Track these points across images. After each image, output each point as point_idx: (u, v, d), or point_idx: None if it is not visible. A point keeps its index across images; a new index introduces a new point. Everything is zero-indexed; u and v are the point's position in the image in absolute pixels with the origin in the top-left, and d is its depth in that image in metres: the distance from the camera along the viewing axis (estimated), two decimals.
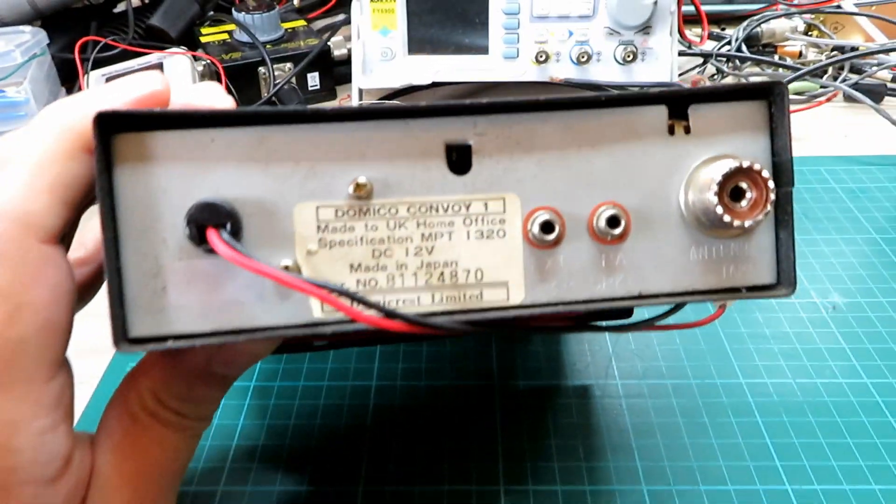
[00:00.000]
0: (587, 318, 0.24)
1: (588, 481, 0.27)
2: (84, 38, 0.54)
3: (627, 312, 0.30)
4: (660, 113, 0.18)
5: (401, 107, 0.17)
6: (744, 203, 0.17)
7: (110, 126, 0.16)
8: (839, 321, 0.35)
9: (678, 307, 0.22)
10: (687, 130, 0.18)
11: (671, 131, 0.18)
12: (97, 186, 0.16)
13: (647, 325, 0.22)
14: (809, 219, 0.43)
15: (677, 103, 0.17)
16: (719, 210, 0.17)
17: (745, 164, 0.16)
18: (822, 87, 0.57)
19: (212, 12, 0.68)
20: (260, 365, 0.34)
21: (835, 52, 0.61)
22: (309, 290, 0.15)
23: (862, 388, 0.31)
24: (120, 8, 0.73)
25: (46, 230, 0.16)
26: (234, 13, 0.62)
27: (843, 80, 0.57)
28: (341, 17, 0.68)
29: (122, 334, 0.16)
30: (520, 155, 0.17)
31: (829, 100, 0.57)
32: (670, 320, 0.22)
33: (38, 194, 0.16)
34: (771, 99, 0.18)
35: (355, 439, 0.30)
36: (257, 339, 0.17)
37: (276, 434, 0.30)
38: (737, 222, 0.17)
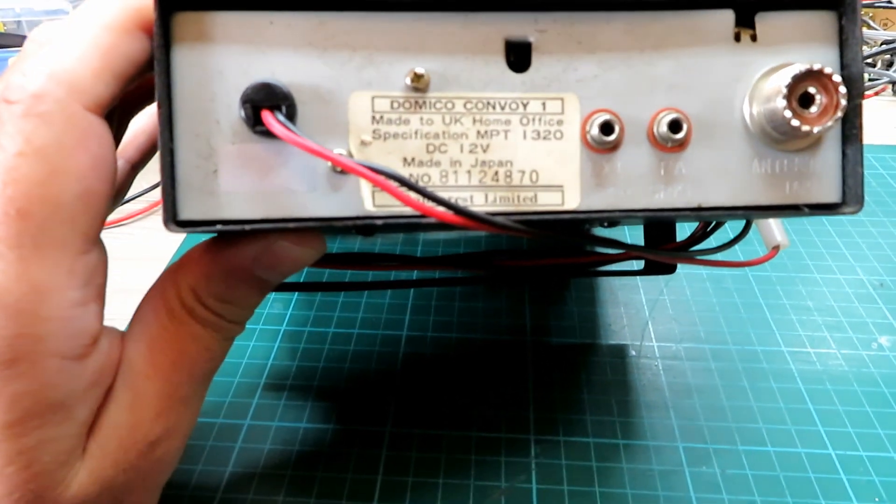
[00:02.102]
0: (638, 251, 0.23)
1: (621, 435, 0.27)
2: None
3: (671, 269, 0.29)
4: (726, 18, 0.17)
5: None
6: (813, 109, 0.16)
7: (171, 2, 0.16)
8: (887, 298, 0.33)
9: (730, 243, 0.22)
10: (753, 38, 0.17)
11: (737, 38, 0.17)
12: (155, 63, 0.16)
13: (689, 256, 0.22)
14: None
15: (745, 7, 0.17)
16: (787, 114, 0.16)
17: (816, 67, 0.16)
18: (871, 79, 0.55)
19: None
20: (290, 311, 0.33)
21: (883, 46, 0.59)
22: (364, 174, 0.15)
23: None
24: None
25: (93, 97, 0.16)
26: None
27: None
28: None
29: (171, 216, 0.16)
30: (581, 55, 0.17)
31: (877, 93, 0.56)
32: (717, 256, 0.22)
33: (89, 60, 0.16)
34: (841, 9, 0.17)
35: (384, 383, 0.29)
36: (307, 229, 0.17)
37: (304, 375, 0.30)
38: (805, 127, 0.16)
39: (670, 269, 0.30)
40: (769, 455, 0.26)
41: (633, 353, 0.31)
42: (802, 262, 0.36)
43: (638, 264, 0.31)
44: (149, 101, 0.21)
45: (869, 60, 0.54)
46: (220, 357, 0.20)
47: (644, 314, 0.33)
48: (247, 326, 0.32)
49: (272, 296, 0.34)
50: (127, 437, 0.18)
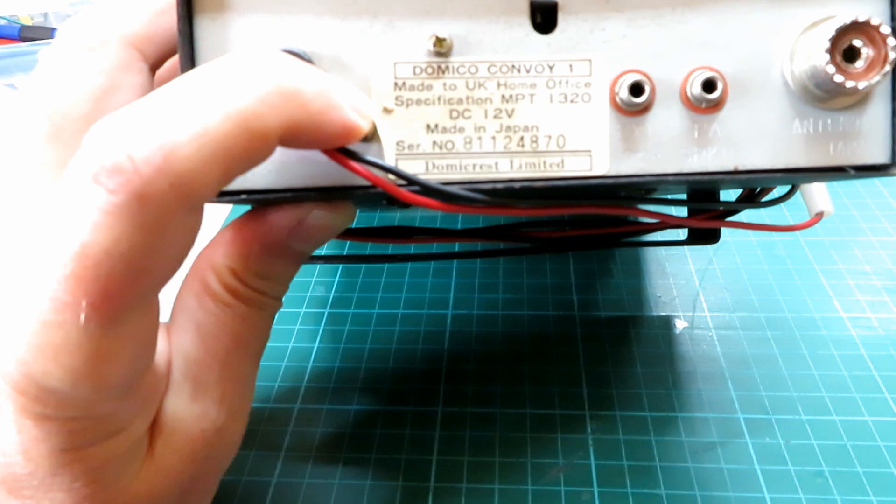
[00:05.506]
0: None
1: (679, 408, 0.26)
2: None
3: (715, 235, 0.28)
4: None
5: None
6: (859, 63, 0.15)
7: None
8: None
9: (761, 203, 0.21)
10: None
11: None
12: (178, 34, 0.16)
13: (714, 217, 0.21)
14: None
15: None
16: (830, 69, 0.15)
17: (862, 19, 0.15)
18: None
19: None
20: (333, 293, 0.33)
21: None
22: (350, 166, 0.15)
23: None
24: None
25: (202, 201, 0.14)
26: None
27: None
28: None
29: None
30: (609, 13, 0.16)
31: None
32: (748, 218, 0.21)
33: (210, 160, 0.14)
34: None
35: (432, 362, 0.29)
36: (332, 198, 0.17)
37: (351, 357, 0.30)
38: (850, 83, 0.15)
39: (714, 238, 0.29)
40: (834, 424, 0.25)
41: (686, 324, 0.30)
42: (856, 225, 0.35)
43: (681, 234, 0.30)
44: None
45: None
46: (268, 333, 0.19)
47: (694, 284, 0.32)
48: (291, 310, 0.32)
49: (314, 279, 0.34)
50: (194, 427, 0.18)
